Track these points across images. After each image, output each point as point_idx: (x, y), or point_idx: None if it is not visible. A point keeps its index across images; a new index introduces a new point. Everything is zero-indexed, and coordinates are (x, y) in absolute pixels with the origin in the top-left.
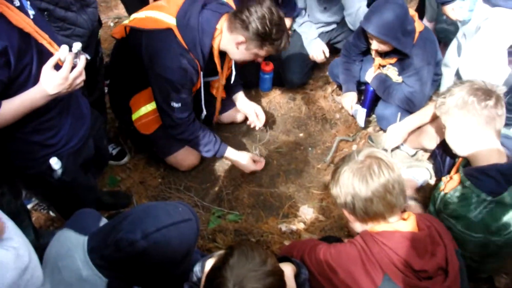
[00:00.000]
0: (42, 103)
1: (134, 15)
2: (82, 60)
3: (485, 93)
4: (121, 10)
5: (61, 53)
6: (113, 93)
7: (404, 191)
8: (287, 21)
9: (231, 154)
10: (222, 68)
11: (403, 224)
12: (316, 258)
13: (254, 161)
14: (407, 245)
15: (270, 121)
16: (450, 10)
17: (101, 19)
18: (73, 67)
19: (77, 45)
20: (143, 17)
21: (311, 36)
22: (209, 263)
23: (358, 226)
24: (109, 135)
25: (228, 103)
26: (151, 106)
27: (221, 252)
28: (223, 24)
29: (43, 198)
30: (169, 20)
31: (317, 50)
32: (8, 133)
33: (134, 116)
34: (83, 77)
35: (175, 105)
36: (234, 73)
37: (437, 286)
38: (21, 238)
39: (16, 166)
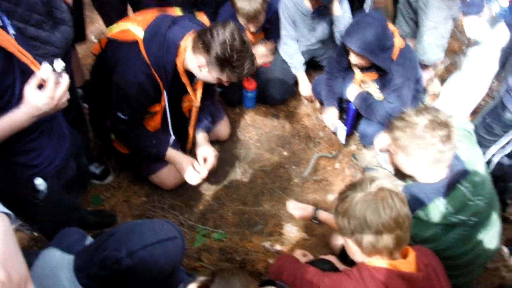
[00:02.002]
0: (28, 123)
1: (110, 27)
2: (65, 78)
3: (439, 126)
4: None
5: (43, 72)
6: (92, 112)
7: (410, 227)
8: (270, 45)
9: (170, 158)
10: (193, 87)
11: (403, 264)
12: (308, 286)
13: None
14: (405, 286)
15: (254, 139)
16: (467, 24)
17: (86, 32)
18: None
19: (60, 64)
20: (116, 27)
21: (298, 67)
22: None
23: (358, 256)
24: (93, 154)
25: (212, 121)
26: None
27: (203, 278)
28: (187, 42)
29: (27, 219)
30: (138, 32)
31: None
32: None
33: (113, 135)
34: (67, 95)
35: (122, 116)
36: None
37: None
38: None
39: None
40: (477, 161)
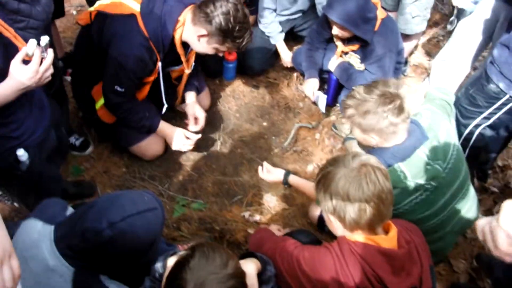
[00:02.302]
0: (13, 97)
1: (100, 1)
2: (50, 54)
3: (389, 99)
4: None
5: (29, 47)
6: (76, 83)
7: (392, 203)
8: (251, 19)
9: (162, 129)
10: (186, 57)
11: (384, 239)
12: (288, 259)
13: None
14: (384, 262)
15: (234, 110)
16: None
17: (64, 7)
18: (41, 60)
19: (45, 39)
20: (109, 2)
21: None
22: (171, 261)
23: (340, 231)
24: (73, 126)
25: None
26: None
27: (183, 252)
28: (186, 15)
29: (9, 190)
30: (134, 6)
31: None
32: None
33: (97, 105)
34: (51, 70)
35: (119, 89)
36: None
37: None
38: None
39: None
40: (440, 128)
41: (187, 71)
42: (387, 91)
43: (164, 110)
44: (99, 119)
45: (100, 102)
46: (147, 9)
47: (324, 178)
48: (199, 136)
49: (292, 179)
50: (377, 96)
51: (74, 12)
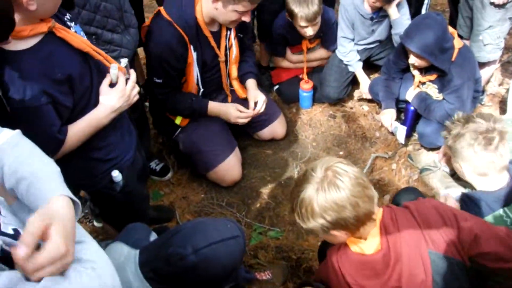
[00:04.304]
0: (107, 121)
1: None
2: (133, 73)
3: (487, 135)
4: None
5: (112, 71)
6: (153, 108)
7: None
8: (325, 53)
9: (214, 108)
10: (218, 41)
11: (365, 245)
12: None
13: (241, 111)
14: (360, 268)
15: (310, 138)
16: None
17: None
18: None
19: (125, 61)
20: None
21: (355, 65)
22: None
23: (344, 239)
24: (153, 151)
25: (267, 119)
26: None
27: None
28: None
29: (102, 211)
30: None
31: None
32: (71, 154)
33: (178, 121)
34: (137, 88)
35: (157, 80)
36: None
37: None
38: (103, 259)
39: (81, 185)
40: None
41: (221, 58)
42: (487, 125)
43: (200, 93)
44: (178, 145)
45: (179, 118)
46: (167, 1)
47: (300, 207)
48: (254, 111)
49: None
50: (475, 130)
51: None
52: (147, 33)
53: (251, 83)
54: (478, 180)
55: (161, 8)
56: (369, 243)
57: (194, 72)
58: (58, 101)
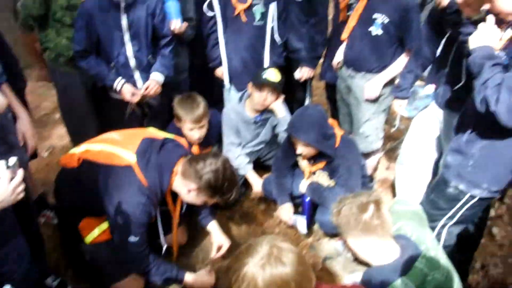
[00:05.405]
0: None
1: (86, 146)
2: (19, 172)
3: (363, 204)
4: (54, 139)
5: None
6: (62, 216)
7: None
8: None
9: (190, 276)
10: (175, 205)
11: None
12: None
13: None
14: None
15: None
16: (398, 106)
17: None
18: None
19: (13, 159)
20: (99, 150)
21: (245, 168)
22: None
23: None
24: (50, 265)
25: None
26: (105, 225)
27: None
28: (179, 167)
29: None
30: (129, 157)
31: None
32: None
33: (88, 239)
34: (23, 186)
35: (133, 240)
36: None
37: None
38: None
39: None
40: (426, 238)
41: (176, 220)
42: (364, 199)
43: (163, 250)
44: (80, 254)
45: (91, 236)
46: (144, 160)
47: (242, 281)
48: (216, 255)
49: None
50: (355, 206)
51: (45, 154)
52: (113, 189)
53: (213, 226)
54: (370, 254)
55: (135, 166)
56: None
57: (158, 228)
58: None
